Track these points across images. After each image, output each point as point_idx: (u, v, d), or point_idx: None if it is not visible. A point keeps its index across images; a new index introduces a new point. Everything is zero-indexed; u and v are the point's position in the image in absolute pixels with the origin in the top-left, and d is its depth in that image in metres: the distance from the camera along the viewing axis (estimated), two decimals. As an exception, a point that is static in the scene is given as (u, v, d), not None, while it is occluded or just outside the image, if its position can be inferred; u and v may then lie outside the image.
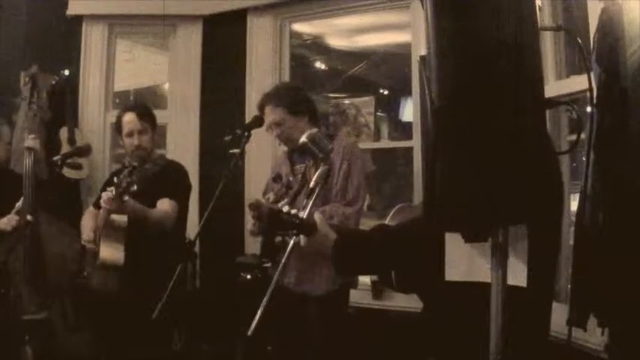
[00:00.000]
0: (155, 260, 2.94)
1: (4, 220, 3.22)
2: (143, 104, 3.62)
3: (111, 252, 2.99)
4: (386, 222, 2.15)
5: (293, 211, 1.81)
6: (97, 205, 3.29)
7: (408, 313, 3.32)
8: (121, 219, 2.99)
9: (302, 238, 1.82)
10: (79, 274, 3.21)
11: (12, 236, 3.13)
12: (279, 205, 2.89)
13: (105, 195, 2.86)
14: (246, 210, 3.78)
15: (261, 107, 3.05)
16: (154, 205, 3.12)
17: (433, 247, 1.63)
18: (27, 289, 3.25)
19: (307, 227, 1.81)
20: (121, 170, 3.44)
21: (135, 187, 2.77)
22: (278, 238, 2.83)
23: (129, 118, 3.29)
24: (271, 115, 3.00)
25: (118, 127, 3.36)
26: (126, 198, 2.79)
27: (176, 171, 3.34)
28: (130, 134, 3.28)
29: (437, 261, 1.62)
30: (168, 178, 3.17)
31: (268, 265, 3.22)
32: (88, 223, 3.28)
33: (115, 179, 2.86)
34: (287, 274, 2.88)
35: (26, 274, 3.25)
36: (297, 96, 3.07)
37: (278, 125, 3.00)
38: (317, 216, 1.85)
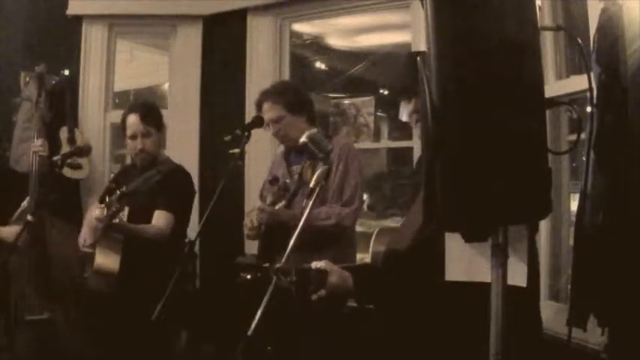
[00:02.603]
0: (150, 266, 2.91)
1: (12, 230, 3.17)
2: (148, 105, 3.40)
3: (106, 259, 2.94)
4: (370, 247, 2.16)
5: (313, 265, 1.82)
6: (102, 201, 3.28)
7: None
8: None
9: (320, 292, 1.81)
10: (80, 274, 3.20)
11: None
12: (276, 207, 2.92)
13: (95, 213, 2.82)
14: (246, 211, 3.79)
15: (260, 104, 3.04)
16: (151, 214, 3.06)
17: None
18: (30, 289, 3.25)
19: (319, 278, 1.79)
20: (125, 171, 3.41)
21: (122, 215, 2.75)
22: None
23: (132, 120, 3.14)
24: (269, 112, 2.99)
25: (122, 127, 3.25)
26: (115, 221, 2.77)
27: (178, 179, 3.15)
28: (134, 137, 3.14)
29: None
30: (168, 188, 2.97)
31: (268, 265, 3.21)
32: (88, 219, 3.28)
33: (107, 199, 2.77)
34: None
35: (31, 274, 3.25)
36: (296, 94, 3.07)
37: (276, 122, 2.99)
38: (320, 263, 1.84)
